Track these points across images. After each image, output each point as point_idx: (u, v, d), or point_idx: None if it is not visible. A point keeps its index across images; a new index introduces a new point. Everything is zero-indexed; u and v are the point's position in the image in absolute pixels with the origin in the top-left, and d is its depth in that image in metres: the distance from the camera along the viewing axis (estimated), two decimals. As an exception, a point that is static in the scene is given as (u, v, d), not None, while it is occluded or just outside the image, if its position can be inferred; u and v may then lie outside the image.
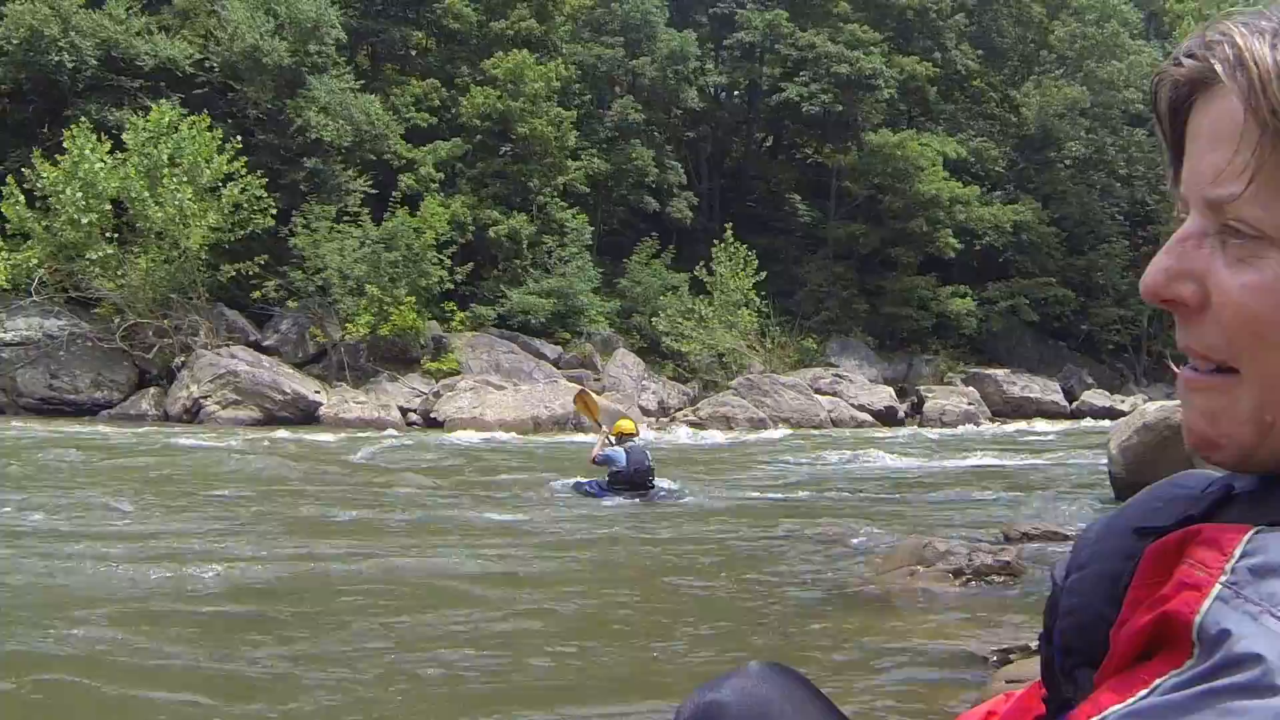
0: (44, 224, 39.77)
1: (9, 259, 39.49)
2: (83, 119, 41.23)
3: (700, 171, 60.50)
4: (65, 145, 39.93)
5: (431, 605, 10.95)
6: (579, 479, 20.65)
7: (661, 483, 20.50)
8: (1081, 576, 1.69)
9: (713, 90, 61.02)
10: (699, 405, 46.08)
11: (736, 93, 63.30)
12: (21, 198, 39.55)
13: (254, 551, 13.49)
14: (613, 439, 20.27)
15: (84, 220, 39.18)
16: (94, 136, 40.12)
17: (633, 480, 19.67)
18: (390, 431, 36.77)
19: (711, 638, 10.08)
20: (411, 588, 11.84)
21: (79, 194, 39.11)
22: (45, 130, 44.11)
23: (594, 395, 23.81)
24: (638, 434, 21.28)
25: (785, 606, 11.44)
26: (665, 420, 44.90)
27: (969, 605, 11.22)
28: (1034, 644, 7.52)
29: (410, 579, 12.28)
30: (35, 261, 39.68)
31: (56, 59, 42.90)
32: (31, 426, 32.92)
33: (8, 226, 40.03)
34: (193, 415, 38.06)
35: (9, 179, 40.01)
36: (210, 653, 8.97)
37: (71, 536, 14.21)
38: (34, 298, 39.55)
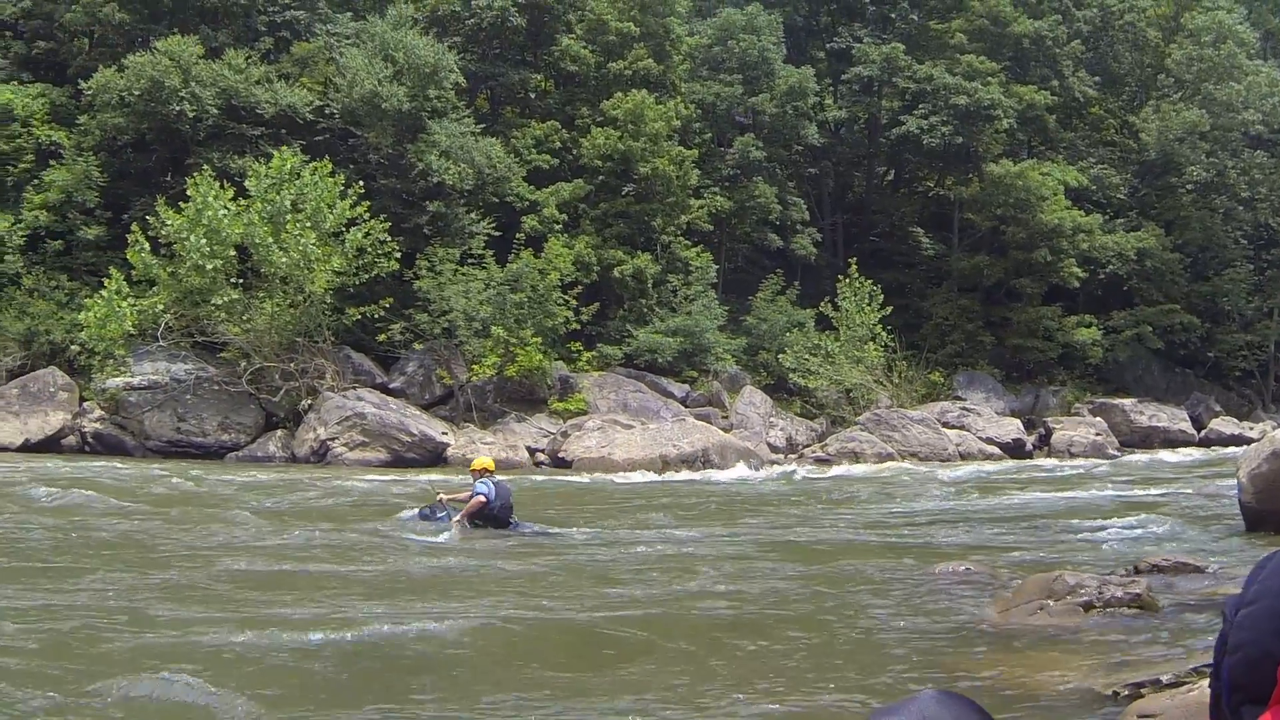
0: (169, 270, 39.02)
1: (136, 305, 38.66)
2: (205, 167, 40.67)
3: (823, 207, 58.45)
4: (189, 193, 39.13)
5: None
6: (423, 508, 20.52)
7: (523, 523, 20.00)
8: (1251, 613, 1.73)
9: (832, 125, 58.79)
10: (827, 441, 44.46)
11: (856, 127, 61.06)
12: (147, 245, 39.02)
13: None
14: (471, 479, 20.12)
15: (209, 266, 38.21)
16: (217, 184, 39.37)
17: (497, 517, 19.41)
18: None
19: (843, 672, 10.01)
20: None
21: (203, 240, 38.14)
22: (168, 178, 43.62)
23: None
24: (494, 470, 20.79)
25: (915, 641, 11.32)
26: (793, 457, 43.32)
27: (1099, 638, 11.12)
28: (1165, 677, 8.75)
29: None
30: (161, 307, 38.92)
31: (178, 108, 42.40)
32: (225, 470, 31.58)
33: (134, 273, 39.46)
34: (320, 457, 37.06)
35: (134, 227, 39.51)
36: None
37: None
38: (161, 342, 39.02)
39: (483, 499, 19.40)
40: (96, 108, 43.94)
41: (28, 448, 36.84)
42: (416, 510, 20.83)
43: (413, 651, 10.88)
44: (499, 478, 20.24)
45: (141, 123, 43.40)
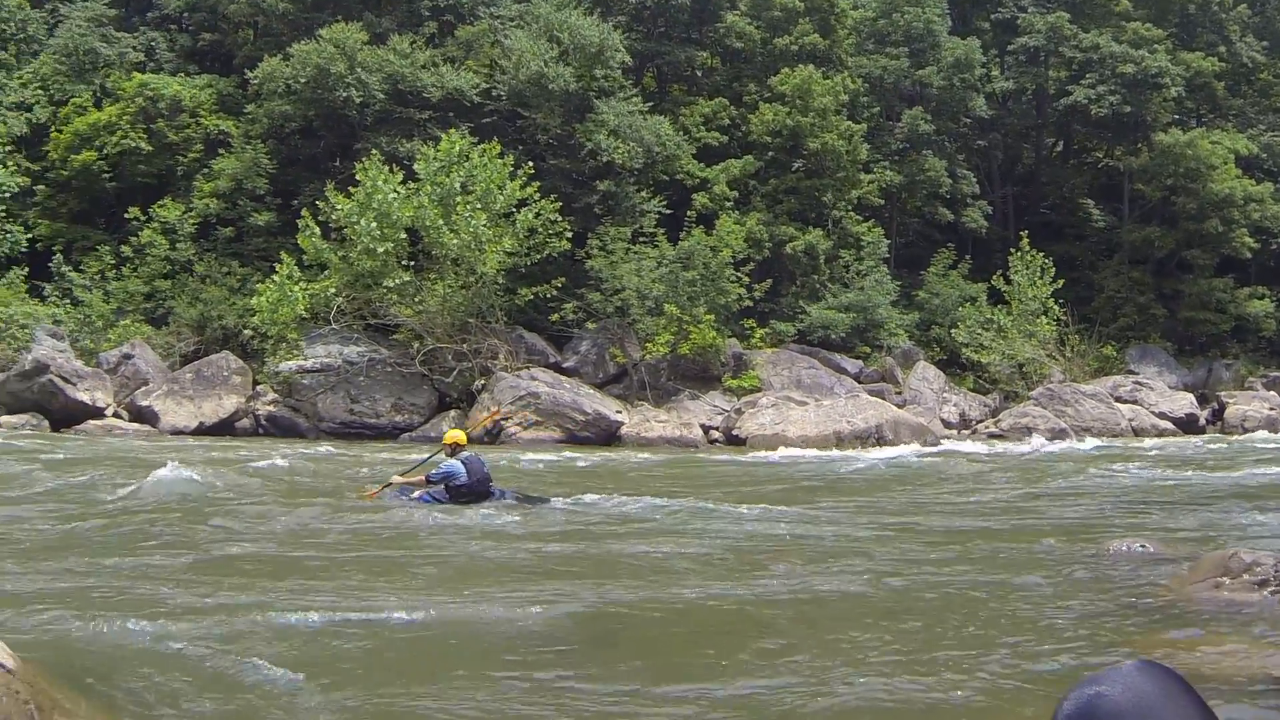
0: (340, 254, 38.66)
1: (308, 289, 38.45)
2: (374, 151, 40.21)
3: (992, 180, 56.16)
4: (358, 177, 38.71)
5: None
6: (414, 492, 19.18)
7: (503, 490, 19.15)
8: None
9: (999, 97, 56.45)
10: (1000, 417, 42.79)
11: (1024, 98, 58.63)
12: (317, 230, 38.73)
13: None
14: (444, 455, 19.44)
15: (380, 249, 37.64)
16: (385, 168, 38.82)
17: (475, 490, 18.66)
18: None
19: (1019, 651, 9.52)
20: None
21: (374, 224, 37.62)
22: (337, 164, 43.35)
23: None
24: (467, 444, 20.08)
25: (1092, 619, 10.80)
26: (966, 433, 41.77)
27: (1276, 616, 10.58)
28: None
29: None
30: (333, 290, 38.62)
31: (345, 95, 42.19)
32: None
33: (305, 257, 39.15)
34: (494, 437, 36.03)
35: (304, 212, 39.28)
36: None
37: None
38: (333, 325, 38.64)
39: (447, 478, 18.66)
40: (263, 96, 43.77)
41: (202, 430, 36.62)
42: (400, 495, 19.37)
43: (568, 637, 10.13)
44: (467, 453, 19.19)
45: (309, 110, 43.12)
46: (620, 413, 37.99)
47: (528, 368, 38.61)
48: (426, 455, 21.45)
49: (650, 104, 45.12)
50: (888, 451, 32.99)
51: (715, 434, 38.49)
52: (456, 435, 19.91)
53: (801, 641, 9.87)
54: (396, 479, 19.38)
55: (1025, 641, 9.86)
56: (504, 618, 10.49)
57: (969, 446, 36.03)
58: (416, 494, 18.71)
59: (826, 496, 21.29)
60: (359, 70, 42.08)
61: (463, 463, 18.67)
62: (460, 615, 10.60)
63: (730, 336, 41.58)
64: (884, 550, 14.60)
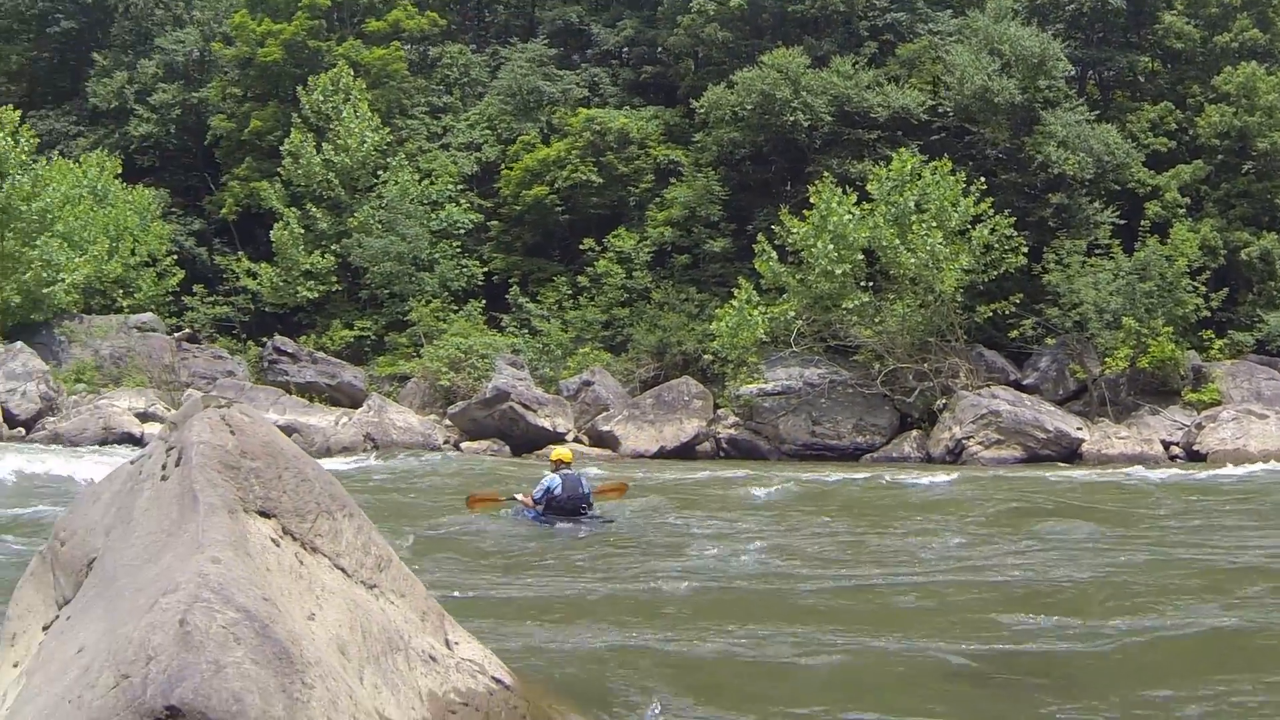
0: (798, 277, 40.12)
1: (767, 312, 39.94)
2: (825, 174, 41.65)
3: None
4: (811, 200, 40.22)
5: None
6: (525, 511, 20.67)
7: (596, 511, 20.54)
8: None
9: None
10: None
11: None
12: (773, 254, 40.31)
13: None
14: (548, 471, 20.97)
15: (837, 271, 39.03)
16: (838, 189, 40.22)
17: (565, 506, 20.01)
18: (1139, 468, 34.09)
19: None
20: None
21: (830, 245, 39.04)
22: (788, 187, 45.21)
23: (481, 494, 22.36)
24: (571, 462, 21.64)
25: None
26: None
27: None
28: None
29: None
30: (792, 314, 40.08)
31: (791, 119, 43.89)
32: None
33: (762, 281, 40.84)
34: (955, 456, 37.44)
35: (760, 237, 40.97)
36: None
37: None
38: (793, 348, 39.99)
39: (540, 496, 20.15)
40: (710, 125, 45.94)
41: (663, 454, 38.48)
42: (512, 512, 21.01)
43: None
44: (568, 470, 20.68)
45: (757, 135, 45.12)
46: (1080, 429, 38.61)
47: (988, 385, 39.51)
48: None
49: (1095, 112, 45.48)
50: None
51: (1175, 449, 38.71)
52: (562, 453, 21.71)
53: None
54: (519, 497, 20.93)
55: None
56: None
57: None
58: (526, 512, 20.37)
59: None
60: (804, 94, 43.77)
61: (561, 478, 20.21)
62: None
63: (1189, 348, 41.62)
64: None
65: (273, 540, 6.24)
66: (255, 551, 5.97)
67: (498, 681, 7.08)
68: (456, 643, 7.12)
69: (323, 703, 5.33)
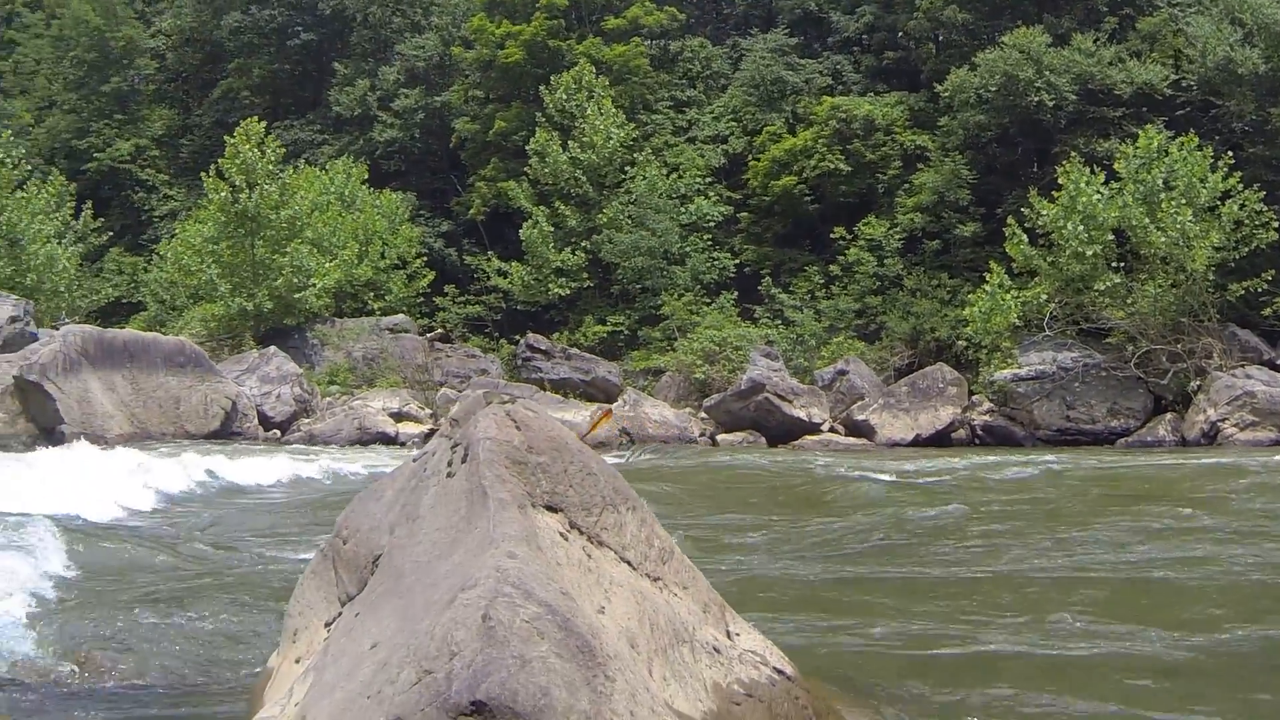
0: (1049, 260, 40.74)
1: (1018, 296, 40.69)
2: (1072, 153, 42.31)
3: None
4: (1059, 180, 40.88)
5: None
6: None
7: None
8: None
9: None
10: None
11: None
12: (1024, 236, 40.93)
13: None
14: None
15: (1088, 252, 39.61)
16: (1085, 169, 40.85)
17: None
18: None
19: None
20: None
21: (1080, 227, 39.67)
22: (1035, 169, 46.18)
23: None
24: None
25: None
26: None
27: None
28: None
29: None
30: (1045, 297, 40.62)
31: (1036, 99, 44.70)
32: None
33: (1013, 265, 41.52)
34: (1210, 439, 37.40)
35: (1009, 220, 41.70)
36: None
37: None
38: (1046, 332, 40.47)
39: None
40: (955, 108, 47.23)
41: (919, 442, 39.22)
42: None
43: None
44: None
45: (1002, 117, 46.16)
46: (1332, 410, 38.43)
47: (1242, 365, 39.50)
48: None
49: (1348, 79, 45.23)
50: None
51: None
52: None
53: None
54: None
55: None
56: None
57: None
58: None
59: None
60: (1047, 73, 44.64)
61: None
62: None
63: None
64: None
65: (561, 534, 6.39)
66: (546, 546, 6.10)
67: (779, 672, 7.18)
68: (737, 634, 7.21)
69: (624, 695, 5.46)
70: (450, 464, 6.67)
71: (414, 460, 7.29)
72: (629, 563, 6.71)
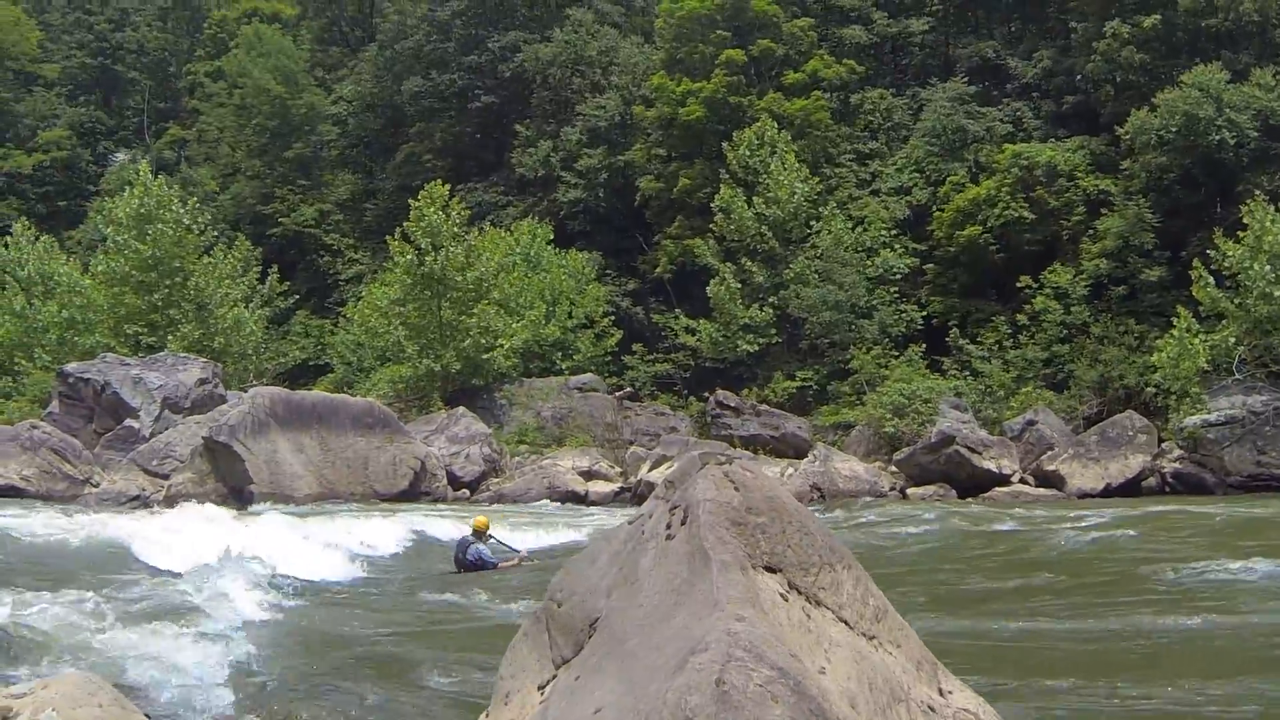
0: (1236, 301, 41.33)
1: (1207, 340, 41.25)
2: (1256, 192, 43.02)
3: None
4: (1244, 220, 41.59)
5: None
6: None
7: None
8: None
9: None
10: None
11: None
12: (1210, 279, 41.65)
13: None
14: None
15: (1276, 293, 40.17)
16: (1270, 207, 41.49)
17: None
18: None
19: None
20: None
21: (1267, 266, 40.26)
22: (1219, 209, 46.41)
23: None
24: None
25: None
26: None
27: None
28: None
29: None
30: (1233, 339, 41.23)
31: (1217, 138, 45.38)
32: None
33: (1200, 309, 42.24)
34: None
35: (1195, 262, 42.32)
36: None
37: None
38: (1235, 376, 40.93)
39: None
40: (1136, 150, 47.95)
41: (1109, 492, 39.42)
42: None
43: None
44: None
45: (1184, 158, 46.89)
46: None
47: None
48: None
49: None
50: None
51: None
52: (480, 521, 24.40)
53: None
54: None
55: None
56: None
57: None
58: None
59: None
60: (1227, 110, 45.32)
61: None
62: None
63: None
64: None
65: (781, 595, 6.37)
66: (768, 607, 6.11)
67: (993, 730, 6.99)
68: (950, 691, 7.21)
69: (853, 757, 5.19)
70: (669, 526, 6.74)
71: (630, 523, 7.43)
72: (846, 622, 6.78)
